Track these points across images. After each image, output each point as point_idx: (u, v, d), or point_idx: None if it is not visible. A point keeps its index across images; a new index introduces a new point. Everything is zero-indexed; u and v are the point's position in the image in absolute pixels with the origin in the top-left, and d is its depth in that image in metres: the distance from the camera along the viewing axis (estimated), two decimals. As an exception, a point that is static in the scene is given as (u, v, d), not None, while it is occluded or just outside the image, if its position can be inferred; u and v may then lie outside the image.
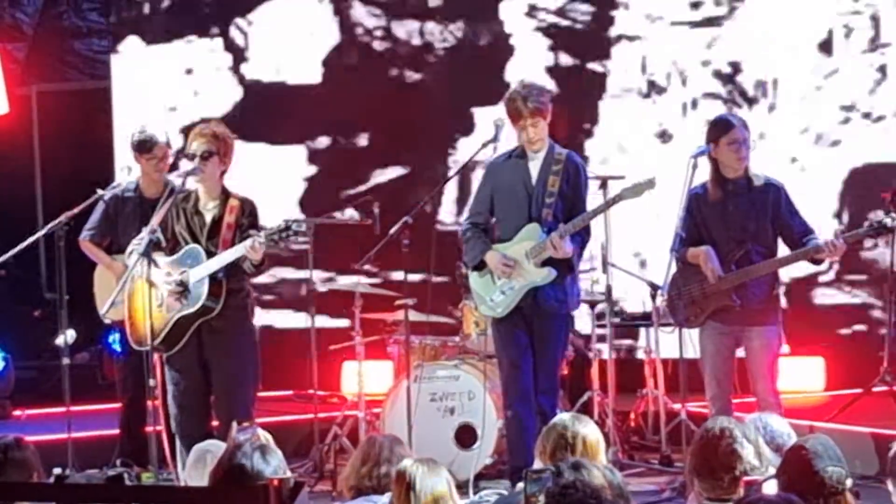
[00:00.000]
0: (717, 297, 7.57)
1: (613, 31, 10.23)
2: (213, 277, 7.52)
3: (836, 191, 10.27)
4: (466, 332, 8.60)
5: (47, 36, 12.48)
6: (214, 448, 5.80)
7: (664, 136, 10.39)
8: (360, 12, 10.97)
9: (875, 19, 10.23)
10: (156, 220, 7.52)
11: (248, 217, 7.61)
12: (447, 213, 10.55)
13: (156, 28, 11.10)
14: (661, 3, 10.52)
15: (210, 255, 7.53)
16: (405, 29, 10.91)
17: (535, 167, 7.66)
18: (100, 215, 8.39)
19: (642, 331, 9.16)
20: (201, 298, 7.51)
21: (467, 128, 9.47)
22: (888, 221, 7.46)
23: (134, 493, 4.70)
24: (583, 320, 9.23)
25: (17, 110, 11.69)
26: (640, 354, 9.15)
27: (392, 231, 7.53)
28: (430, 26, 10.87)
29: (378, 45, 10.91)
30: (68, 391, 8.02)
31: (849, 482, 4.73)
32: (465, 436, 8.18)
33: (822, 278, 10.26)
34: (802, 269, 8.96)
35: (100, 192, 8.41)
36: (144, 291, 7.45)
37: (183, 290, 7.52)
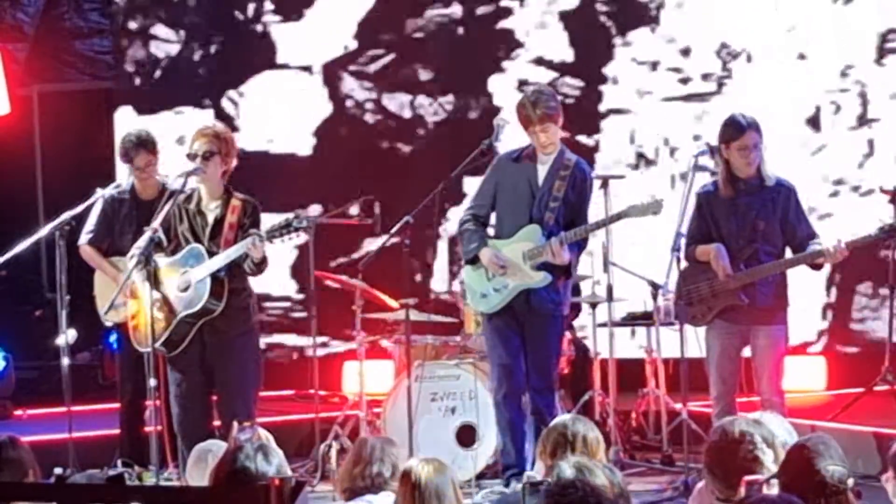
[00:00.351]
0: (726, 295, 7.57)
1: (603, 106, 10.28)
2: (214, 277, 7.52)
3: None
4: (467, 331, 8.60)
5: (48, 36, 12.47)
6: (216, 448, 5.80)
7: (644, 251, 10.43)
8: (350, 85, 11.09)
9: (863, 96, 10.37)
10: (157, 220, 7.52)
11: (249, 217, 7.61)
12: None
13: (147, 99, 11.11)
14: (651, 79, 10.65)
15: (212, 255, 7.54)
16: (396, 102, 11.04)
17: (543, 170, 7.68)
18: (97, 218, 8.38)
19: (642, 330, 9.14)
20: (203, 298, 7.51)
21: (457, 198, 9.56)
22: None
23: (135, 494, 4.70)
24: (584, 320, 9.23)
25: (19, 111, 11.68)
26: (641, 354, 9.14)
27: (393, 231, 7.53)
28: (421, 99, 11.00)
29: (369, 118, 11.04)
30: (69, 391, 8.01)
31: (850, 482, 4.72)
32: (466, 435, 8.18)
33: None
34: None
35: (100, 191, 8.41)
36: (146, 293, 7.45)
37: (170, 312, 7.53)
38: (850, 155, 10.34)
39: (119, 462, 8.24)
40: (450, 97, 10.90)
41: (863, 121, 10.38)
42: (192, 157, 7.62)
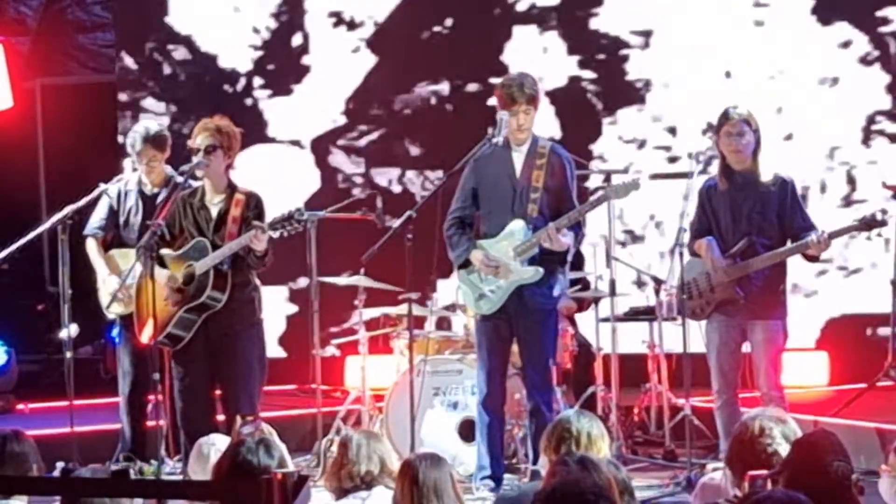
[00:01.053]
0: (723, 289, 7.58)
1: (590, 183, 10.31)
2: (218, 271, 7.52)
3: (813, 339, 10.44)
4: (470, 326, 8.58)
5: (51, 30, 12.47)
6: (218, 442, 5.80)
7: (640, 285, 10.41)
8: (339, 159, 11.18)
9: (850, 175, 10.46)
10: (160, 215, 7.52)
11: (253, 210, 7.62)
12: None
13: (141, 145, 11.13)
14: (638, 157, 10.72)
15: (216, 248, 7.54)
16: (385, 177, 11.14)
17: (518, 160, 7.60)
18: (105, 211, 8.38)
19: (645, 325, 9.13)
20: (206, 292, 7.51)
21: (446, 271, 9.62)
22: (878, 216, 7.54)
23: (138, 488, 4.70)
24: (586, 315, 9.22)
25: (21, 104, 11.68)
26: (643, 349, 9.13)
27: (395, 225, 7.51)
28: (410, 174, 11.10)
29: (358, 192, 11.08)
30: (72, 385, 8.00)
31: (853, 477, 4.72)
32: (468, 430, 8.17)
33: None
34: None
35: (102, 185, 8.41)
36: (149, 286, 7.45)
37: (181, 296, 7.53)
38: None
39: (121, 456, 8.23)
40: (438, 173, 10.98)
41: (849, 201, 10.48)
42: (194, 151, 7.62)
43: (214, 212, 7.66)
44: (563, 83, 10.85)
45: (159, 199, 8.22)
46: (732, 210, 7.64)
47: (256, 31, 11.32)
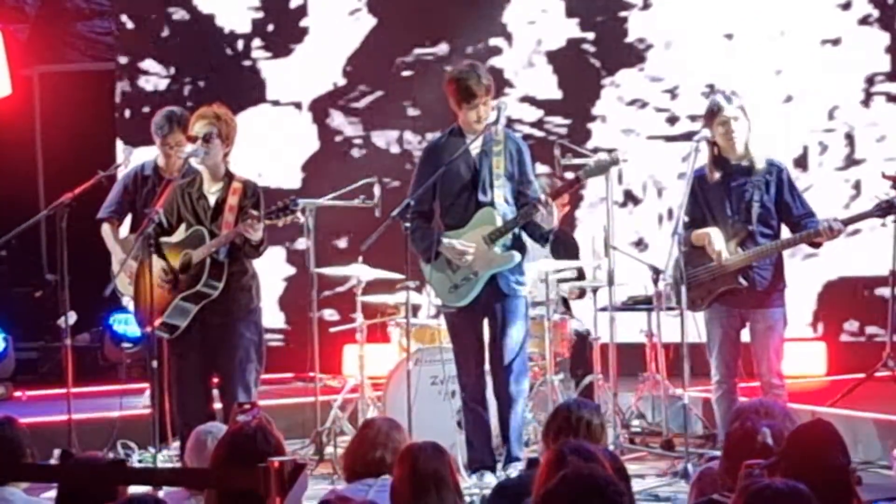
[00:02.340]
0: (724, 279, 7.57)
1: (590, 144, 10.32)
2: (214, 259, 7.52)
3: (811, 301, 10.48)
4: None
5: (50, 17, 12.46)
6: (216, 430, 5.79)
7: (640, 245, 10.51)
8: (339, 121, 11.18)
9: (850, 137, 10.46)
10: (156, 203, 7.52)
11: (250, 199, 7.61)
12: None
13: (136, 131, 11.14)
14: (638, 118, 10.73)
15: (213, 237, 7.54)
16: (384, 138, 11.14)
17: (475, 148, 7.54)
18: (118, 194, 8.40)
19: (643, 315, 9.13)
20: (201, 280, 7.51)
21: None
22: (895, 202, 7.49)
23: (136, 475, 4.71)
24: (584, 305, 9.22)
25: (20, 92, 11.67)
26: (642, 338, 9.13)
27: (394, 213, 7.49)
28: (409, 136, 11.10)
29: (357, 153, 11.13)
30: (70, 372, 8.00)
31: (851, 467, 4.72)
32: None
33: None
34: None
35: (101, 173, 8.40)
36: (147, 275, 7.45)
37: (175, 282, 7.54)
38: (837, 195, 10.39)
39: (118, 443, 8.24)
40: (437, 134, 10.96)
41: (850, 161, 10.50)
42: (192, 139, 7.62)
43: (212, 200, 7.65)
44: (562, 44, 10.85)
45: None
46: (730, 199, 7.61)
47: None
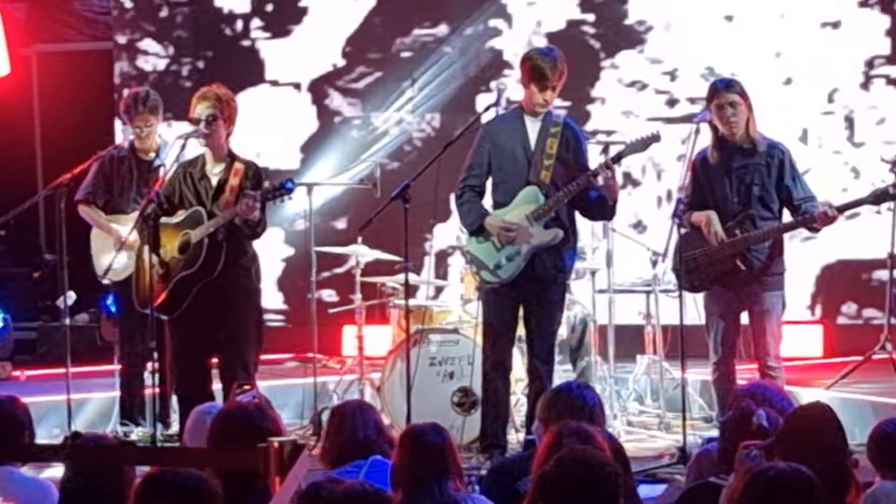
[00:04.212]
0: (722, 261, 7.57)
1: (589, 125, 10.32)
2: (213, 240, 7.52)
3: (809, 284, 10.51)
4: (467, 296, 8.59)
5: (48, -4, 12.44)
6: (215, 410, 5.79)
7: (639, 227, 10.52)
8: (337, 101, 11.18)
9: (849, 120, 10.47)
10: (157, 184, 7.52)
11: (251, 180, 7.61)
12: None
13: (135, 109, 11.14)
14: (638, 100, 10.74)
15: (213, 217, 7.54)
16: (382, 119, 11.14)
17: (533, 130, 7.57)
18: (94, 176, 8.35)
19: (642, 297, 9.14)
20: (200, 259, 7.52)
21: (444, 215, 9.57)
22: (890, 189, 7.51)
23: (136, 454, 4.71)
24: (583, 287, 9.23)
25: (18, 71, 11.66)
26: (640, 320, 9.15)
27: (394, 194, 7.49)
28: (407, 117, 11.11)
29: (356, 134, 11.11)
30: (69, 352, 8.01)
31: (848, 449, 4.73)
32: (465, 400, 8.18)
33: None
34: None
35: (100, 153, 8.39)
36: (147, 254, 7.46)
37: (187, 244, 7.53)
38: (836, 177, 10.39)
39: (119, 423, 8.25)
40: (436, 115, 10.96)
41: (848, 144, 10.52)
42: (195, 121, 7.61)
43: (214, 181, 7.66)
44: (561, 26, 10.86)
45: (153, 165, 8.22)
46: (730, 182, 7.61)
47: None
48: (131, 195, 8.27)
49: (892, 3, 10.51)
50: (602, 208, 7.63)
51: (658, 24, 10.77)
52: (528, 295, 7.57)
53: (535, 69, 7.50)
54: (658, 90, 10.79)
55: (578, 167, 7.59)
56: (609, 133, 8.59)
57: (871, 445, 5.19)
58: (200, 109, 7.60)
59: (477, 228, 7.59)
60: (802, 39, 10.49)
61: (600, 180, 7.41)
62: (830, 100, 10.55)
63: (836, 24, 10.51)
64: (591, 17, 10.87)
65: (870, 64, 10.51)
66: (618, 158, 7.57)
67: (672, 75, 10.75)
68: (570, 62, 7.91)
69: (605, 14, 10.86)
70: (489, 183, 7.68)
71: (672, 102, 10.71)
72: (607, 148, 8.62)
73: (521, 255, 7.52)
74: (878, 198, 7.64)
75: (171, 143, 7.99)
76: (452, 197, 7.84)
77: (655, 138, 7.54)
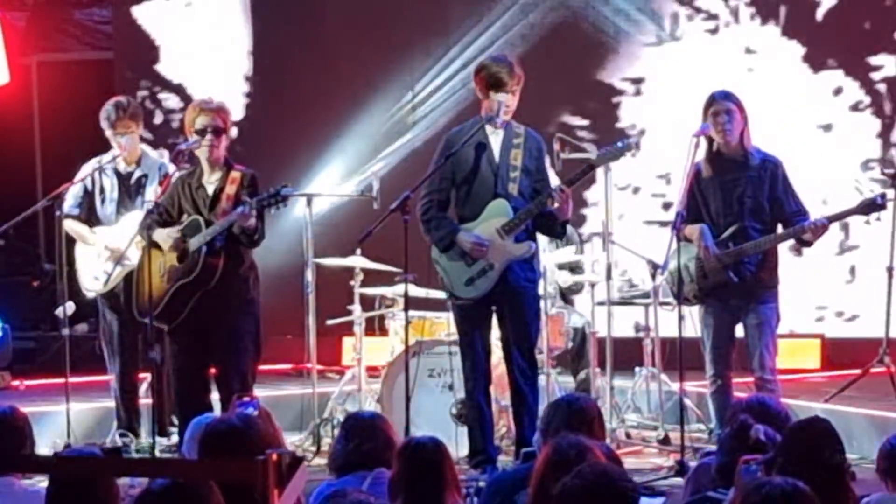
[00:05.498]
0: (715, 274, 7.59)
1: (584, 230, 10.33)
2: (211, 248, 7.53)
3: (806, 296, 10.39)
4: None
5: (48, 5, 12.45)
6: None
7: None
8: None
9: (844, 224, 10.36)
10: (155, 194, 7.54)
11: (248, 188, 7.62)
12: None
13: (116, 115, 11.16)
14: (632, 203, 10.66)
15: (210, 226, 7.55)
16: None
17: (496, 142, 7.54)
18: (80, 189, 8.32)
19: (641, 308, 9.15)
20: (197, 268, 7.52)
21: None
22: (878, 200, 7.56)
23: (133, 466, 4.71)
24: (582, 298, 9.23)
25: (18, 80, 11.67)
26: (639, 332, 9.15)
27: (392, 206, 7.48)
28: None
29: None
30: (67, 362, 8.01)
31: (846, 463, 4.74)
32: (464, 412, 8.17)
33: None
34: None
35: (100, 163, 8.39)
36: (146, 265, 7.47)
37: (184, 252, 7.53)
38: (833, 280, 10.46)
39: (118, 433, 8.25)
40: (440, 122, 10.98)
41: (843, 248, 10.52)
42: (201, 132, 7.61)
43: (210, 190, 7.67)
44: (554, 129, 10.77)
45: (134, 177, 8.24)
46: (723, 194, 7.64)
47: (248, 79, 11.41)
48: (113, 206, 8.27)
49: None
50: (552, 227, 7.61)
51: (649, 129, 10.70)
52: (501, 306, 7.56)
53: (491, 76, 7.48)
54: (654, 193, 10.76)
55: (542, 177, 7.58)
56: (604, 235, 8.65)
57: (882, 460, 5.19)
58: (200, 121, 7.62)
59: (448, 244, 7.56)
60: (798, 146, 10.19)
61: (555, 203, 7.40)
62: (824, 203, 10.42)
63: (827, 127, 10.48)
64: (584, 122, 10.85)
65: (865, 166, 10.43)
66: (589, 169, 7.55)
67: (666, 178, 10.67)
68: (565, 164, 7.99)
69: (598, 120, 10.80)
70: (453, 195, 7.62)
71: (667, 206, 10.55)
72: (563, 146, 8.55)
73: (494, 269, 7.50)
74: (866, 208, 7.68)
75: (171, 156, 7.98)
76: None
77: (628, 148, 7.53)
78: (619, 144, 7.60)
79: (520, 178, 7.49)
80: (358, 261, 8.79)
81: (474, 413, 7.63)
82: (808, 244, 7.80)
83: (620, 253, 8.88)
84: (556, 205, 7.40)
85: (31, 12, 12.37)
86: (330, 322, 9.35)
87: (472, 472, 7.52)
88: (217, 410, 7.33)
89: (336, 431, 8.20)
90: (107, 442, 8.16)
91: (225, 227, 7.49)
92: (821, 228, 7.50)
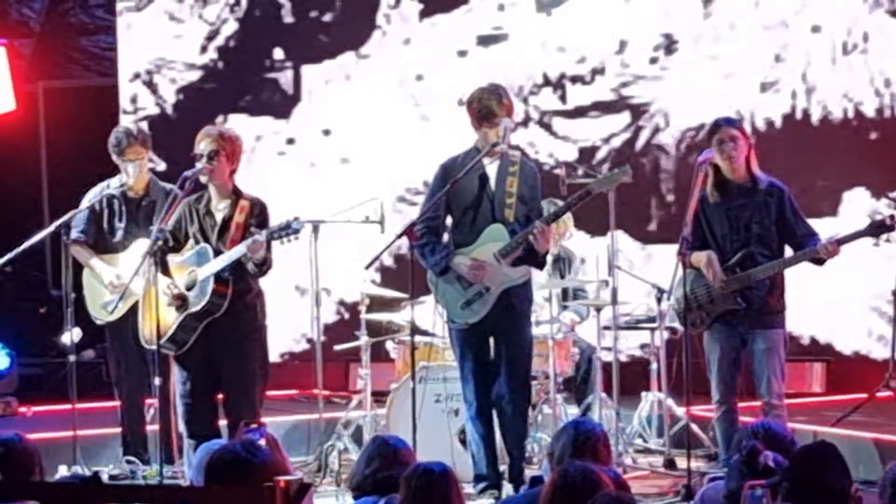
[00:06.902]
0: (722, 300, 7.60)
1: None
2: (219, 277, 7.55)
3: (811, 319, 10.28)
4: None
5: (54, 32, 12.49)
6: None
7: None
8: None
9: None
10: (163, 220, 7.55)
11: (257, 217, 7.64)
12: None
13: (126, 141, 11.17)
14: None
15: (219, 254, 7.56)
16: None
17: (492, 169, 7.56)
18: (86, 215, 8.34)
19: (647, 333, 9.15)
20: (206, 297, 7.54)
21: None
22: (888, 221, 7.55)
23: (139, 493, 4.72)
24: (588, 324, 9.24)
25: (24, 107, 11.70)
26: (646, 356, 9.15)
27: (398, 234, 7.50)
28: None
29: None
30: (74, 388, 8.03)
31: (852, 488, 4.74)
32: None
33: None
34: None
35: (107, 189, 8.41)
36: (153, 292, 7.48)
37: (182, 303, 7.55)
38: None
39: (125, 460, 8.25)
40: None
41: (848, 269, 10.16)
42: (198, 157, 7.65)
43: (219, 217, 7.69)
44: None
45: (143, 203, 8.26)
46: (730, 220, 7.65)
47: None
48: (121, 233, 8.29)
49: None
50: (533, 259, 7.59)
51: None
52: (497, 330, 7.57)
53: (482, 109, 7.50)
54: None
55: (535, 206, 7.60)
56: (609, 260, 8.63)
57: (889, 487, 5.18)
58: (203, 146, 7.65)
59: (444, 268, 7.58)
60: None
61: (536, 237, 7.42)
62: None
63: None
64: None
65: None
66: (586, 195, 7.54)
67: None
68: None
69: None
70: (449, 221, 7.63)
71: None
72: (569, 171, 8.57)
73: (490, 292, 7.52)
74: (876, 229, 7.67)
75: (178, 183, 8.00)
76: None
77: (624, 174, 7.54)
78: (616, 171, 7.62)
79: (516, 205, 7.52)
80: (364, 287, 8.80)
81: (475, 437, 7.64)
82: (821, 264, 7.79)
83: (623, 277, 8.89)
84: (535, 241, 7.42)
85: (37, 39, 12.42)
86: (337, 348, 9.36)
87: (480, 499, 7.52)
88: (225, 436, 7.33)
89: (342, 457, 8.24)
90: (113, 468, 8.17)
91: (234, 259, 7.49)
92: (832, 250, 7.49)
